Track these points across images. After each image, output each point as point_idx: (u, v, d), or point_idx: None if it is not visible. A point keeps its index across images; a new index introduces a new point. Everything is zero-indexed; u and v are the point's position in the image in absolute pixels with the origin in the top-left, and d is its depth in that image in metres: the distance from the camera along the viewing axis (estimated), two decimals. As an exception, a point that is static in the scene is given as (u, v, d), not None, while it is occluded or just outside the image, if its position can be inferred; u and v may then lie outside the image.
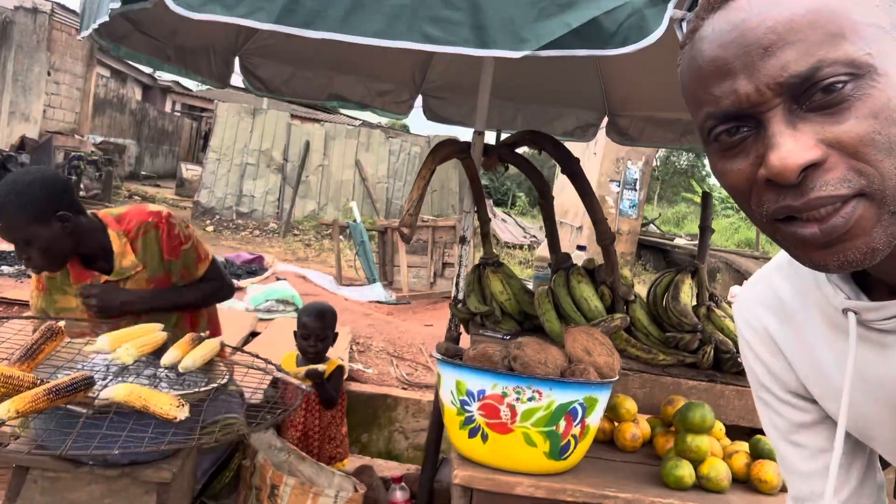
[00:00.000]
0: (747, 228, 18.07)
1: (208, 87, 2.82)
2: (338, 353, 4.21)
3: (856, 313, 0.65)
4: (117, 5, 1.32)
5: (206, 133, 17.11)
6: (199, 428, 1.52)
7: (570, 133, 3.31)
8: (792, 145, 0.52)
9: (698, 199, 20.66)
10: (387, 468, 3.07)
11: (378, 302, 6.14)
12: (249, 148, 12.10)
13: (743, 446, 1.70)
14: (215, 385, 1.66)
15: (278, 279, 5.85)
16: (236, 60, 2.77)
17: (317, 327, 2.44)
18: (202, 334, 1.90)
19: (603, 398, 1.53)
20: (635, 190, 11.83)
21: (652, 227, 14.54)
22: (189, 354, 1.77)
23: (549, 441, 1.46)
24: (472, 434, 1.49)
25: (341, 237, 7.55)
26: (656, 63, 2.73)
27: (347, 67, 3.02)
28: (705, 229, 2.34)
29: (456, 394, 1.49)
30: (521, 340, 1.46)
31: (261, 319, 4.70)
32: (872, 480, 0.81)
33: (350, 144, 12.61)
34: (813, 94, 0.52)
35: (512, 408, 1.43)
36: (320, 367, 2.25)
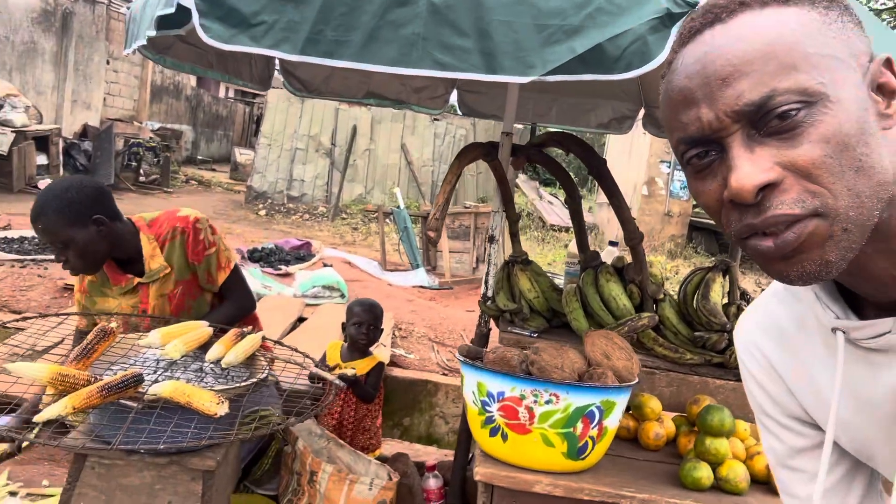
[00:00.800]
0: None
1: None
2: (381, 340, 4.34)
3: (844, 332, 0.67)
4: (153, 33, 1.42)
5: (258, 118, 17.50)
6: (238, 423, 1.63)
7: (605, 125, 3.30)
8: (749, 168, 0.56)
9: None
10: (424, 453, 3.17)
11: (421, 287, 6.24)
12: (299, 133, 12.33)
13: (765, 448, 1.71)
14: (254, 380, 1.77)
15: (325, 265, 6.01)
16: (276, 63, 2.86)
17: (369, 318, 2.55)
18: (245, 330, 2.01)
19: (621, 401, 1.57)
20: (686, 171, 11.51)
21: (704, 208, 14.14)
22: (232, 350, 1.88)
23: (566, 442, 1.51)
24: (493, 433, 1.55)
25: (386, 222, 7.67)
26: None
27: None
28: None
29: (477, 394, 1.56)
30: (539, 346, 1.51)
31: (308, 305, 4.86)
32: (874, 502, 0.82)
33: (396, 128, 12.70)
34: (769, 121, 0.56)
35: (530, 410, 1.49)
36: (349, 371, 2.34)
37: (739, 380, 2.06)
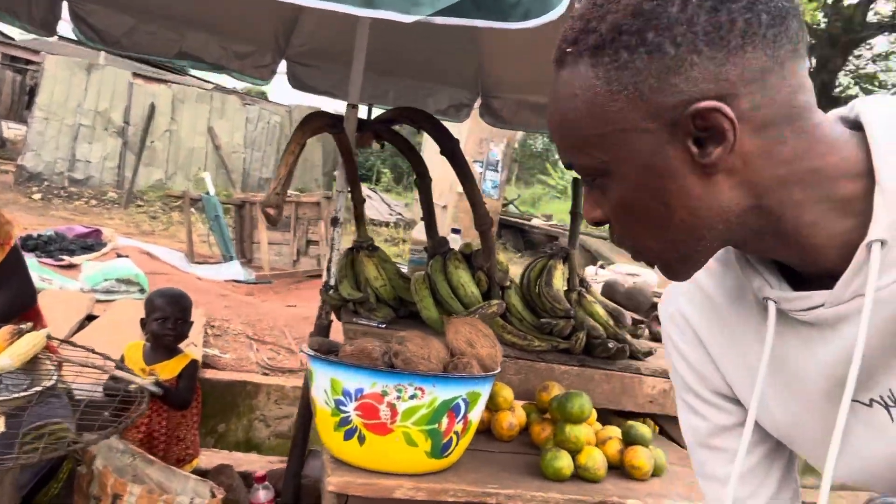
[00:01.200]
0: (596, 210, 19.26)
1: (34, 36, 2.39)
2: (191, 339, 3.88)
3: (775, 303, 0.65)
4: None
5: (31, 88, 15.09)
6: (19, 444, 1.27)
7: (443, 112, 3.23)
8: (586, 206, 0.66)
9: (552, 182, 21.71)
10: (247, 462, 2.86)
11: (236, 281, 5.76)
12: (84, 108, 10.83)
13: (615, 432, 1.73)
14: (38, 389, 1.40)
15: (119, 256, 5.28)
16: (64, 5, 2.36)
17: (175, 310, 2.18)
18: (22, 326, 1.61)
19: (486, 392, 1.47)
20: (497, 171, 12.11)
21: (511, 208, 15.03)
22: (6, 352, 1.50)
23: (430, 440, 1.38)
24: (348, 436, 1.37)
25: (193, 210, 6.99)
26: (535, 43, 2.71)
27: (201, 23, 2.70)
28: (576, 215, 2.37)
29: (330, 393, 1.36)
30: (404, 335, 1.36)
31: (99, 301, 4.21)
32: (790, 487, 0.79)
33: (202, 109, 11.72)
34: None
35: (392, 407, 1.33)
36: (148, 383, 1.81)
37: (584, 365, 2.10)
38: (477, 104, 3.26)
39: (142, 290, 4.46)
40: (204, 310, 4.28)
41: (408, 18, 1.06)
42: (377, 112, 2.91)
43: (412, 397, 1.33)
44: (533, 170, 24.59)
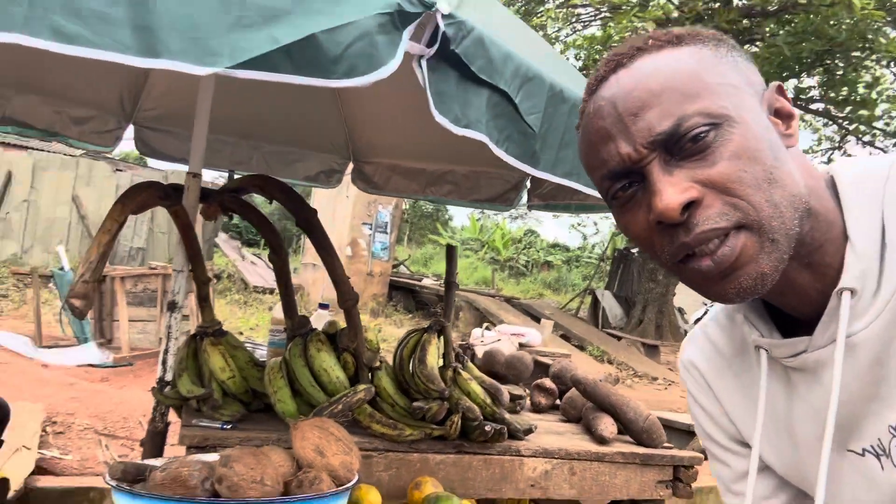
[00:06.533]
0: (484, 267, 19.67)
1: None
2: (23, 441, 3.33)
3: (766, 350, 0.70)
4: None
5: None
6: None
7: (313, 178, 3.05)
8: (670, 189, 0.60)
9: (443, 241, 22.01)
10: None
11: (91, 365, 5.15)
12: (-75, 175, 9.73)
13: (495, 532, 1.55)
14: None
15: (-54, 344, 4.58)
16: None
17: None
18: None
19: (339, 508, 1.25)
20: (386, 233, 12.03)
21: (402, 269, 14.93)
22: None
23: (269, 578, 1.13)
24: (163, 585, 1.09)
25: (47, 287, 6.28)
26: (401, 108, 2.62)
27: (29, 85, 2.40)
28: (450, 284, 2.24)
29: (138, 533, 1.09)
30: (231, 454, 1.12)
31: None
32: None
33: (66, 177, 10.89)
34: (683, 145, 0.60)
35: (217, 545, 1.08)
36: None
37: (460, 452, 1.92)
38: (349, 170, 3.11)
39: (-32, 386, 3.84)
40: (43, 405, 3.73)
41: (201, 70, 0.88)
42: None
43: (242, 530, 1.09)
44: (424, 230, 24.85)
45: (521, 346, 4.92)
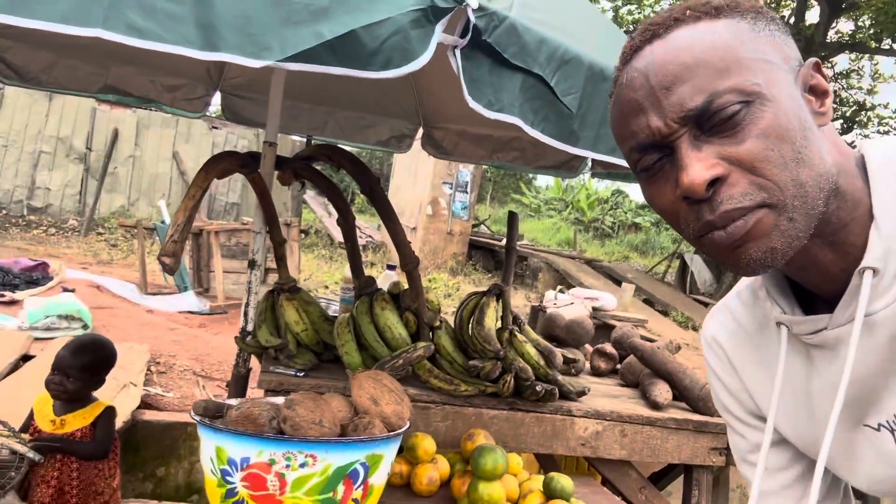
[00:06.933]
0: (567, 228, 19.38)
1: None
2: (130, 378, 3.73)
3: (787, 327, 0.71)
4: None
5: (-9, 114, 14.76)
6: None
7: (384, 143, 3.17)
8: (697, 164, 0.60)
9: (526, 201, 21.81)
10: (179, 512, 2.73)
11: (190, 312, 5.60)
12: (45, 134, 10.64)
13: (538, 483, 1.65)
14: None
15: (65, 290, 5.11)
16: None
17: (68, 365, 2.00)
18: None
19: (389, 453, 1.38)
20: (466, 192, 12.09)
21: (483, 228, 15.00)
22: None
23: (326, 509, 1.28)
24: (237, 507, 1.27)
25: (151, 238, 6.82)
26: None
27: (126, 56, 2.61)
28: (510, 250, 2.30)
29: (216, 462, 1.26)
30: (294, 398, 1.27)
31: (38, 339, 4.04)
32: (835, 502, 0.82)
33: (167, 134, 11.56)
34: (713, 121, 0.60)
35: (281, 477, 1.23)
36: (27, 449, 1.78)
37: (513, 409, 2.03)
38: (419, 135, 3.20)
39: (85, 327, 4.30)
40: (148, 346, 4.13)
41: (255, 63, 0.99)
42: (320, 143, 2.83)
43: (302, 466, 1.24)
44: (507, 189, 24.68)
45: (595, 309, 4.91)
